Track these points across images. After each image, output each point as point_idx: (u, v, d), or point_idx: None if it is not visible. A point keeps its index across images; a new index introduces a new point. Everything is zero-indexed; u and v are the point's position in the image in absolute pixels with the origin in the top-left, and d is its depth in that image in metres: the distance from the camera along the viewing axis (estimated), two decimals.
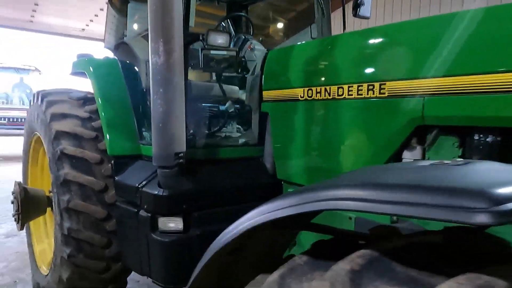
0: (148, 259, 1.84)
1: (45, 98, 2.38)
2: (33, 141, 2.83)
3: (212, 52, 1.98)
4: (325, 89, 1.70)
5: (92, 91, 2.34)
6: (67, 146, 2.10)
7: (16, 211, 2.49)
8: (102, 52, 3.18)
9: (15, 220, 2.51)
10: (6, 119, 11.97)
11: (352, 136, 1.64)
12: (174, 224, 1.76)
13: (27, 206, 2.49)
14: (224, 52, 2.01)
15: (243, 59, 2.38)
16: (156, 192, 1.75)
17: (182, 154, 1.71)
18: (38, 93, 2.54)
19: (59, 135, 2.15)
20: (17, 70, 15.00)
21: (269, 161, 2.14)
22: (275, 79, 2.06)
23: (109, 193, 2.14)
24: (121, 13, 2.88)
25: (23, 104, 13.55)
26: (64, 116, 2.25)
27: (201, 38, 1.95)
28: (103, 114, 2.19)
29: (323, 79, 1.73)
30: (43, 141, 2.42)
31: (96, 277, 2.15)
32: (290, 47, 2.00)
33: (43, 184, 2.97)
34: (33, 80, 14.97)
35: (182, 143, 1.72)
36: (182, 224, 1.75)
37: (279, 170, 2.06)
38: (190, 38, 1.88)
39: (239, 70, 2.35)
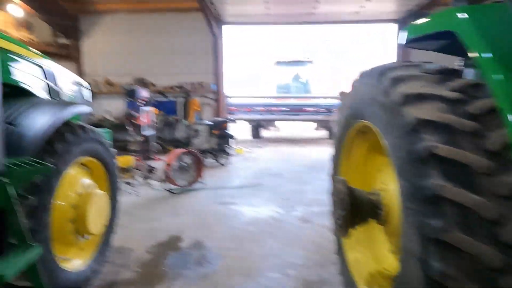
0: None
1: (387, 74, 1.76)
2: (354, 130, 2.35)
3: None
4: None
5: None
6: (439, 144, 1.36)
7: (340, 215, 2.07)
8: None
9: (339, 225, 2.10)
10: (288, 107, 13.66)
11: None
12: None
13: (353, 211, 2.02)
14: None
15: None
16: None
17: None
18: (370, 69, 1.98)
19: (420, 126, 1.45)
20: (295, 63, 17.03)
21: None
22: None
23: (507, 227, 1.26)
24: None
25: (299, 93, 15.21)
26: (422, 97, 1.54)
27: None
28: (498, 91, 1.31)
29: None
30: (377, 131, 1.84)
31: None
32: None
33: (354, 183, 2.49)
34: (307, 70, 16.57)
35: None
36: None
37: None
38: None
39: None
